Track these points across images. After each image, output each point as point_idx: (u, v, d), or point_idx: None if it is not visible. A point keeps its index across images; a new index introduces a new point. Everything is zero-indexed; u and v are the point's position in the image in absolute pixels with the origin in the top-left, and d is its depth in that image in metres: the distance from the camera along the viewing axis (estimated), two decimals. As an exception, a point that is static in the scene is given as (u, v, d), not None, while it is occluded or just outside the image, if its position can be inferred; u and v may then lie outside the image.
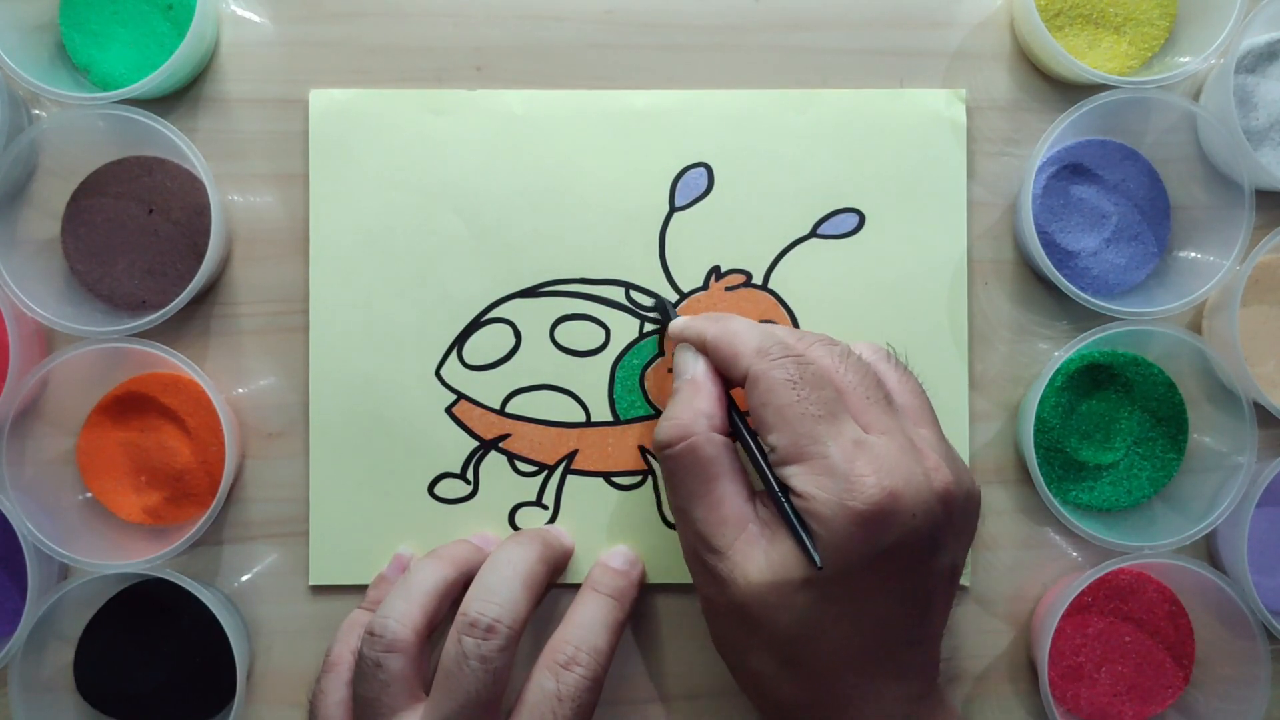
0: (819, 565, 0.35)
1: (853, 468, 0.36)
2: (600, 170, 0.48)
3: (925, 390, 0.41)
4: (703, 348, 0.41)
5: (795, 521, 0.36)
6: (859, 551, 0.35)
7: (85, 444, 0.48)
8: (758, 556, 0.37)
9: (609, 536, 0.48)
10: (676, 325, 0.43)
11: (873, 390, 0.38)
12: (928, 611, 0.38)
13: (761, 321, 0.48)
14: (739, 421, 0.41)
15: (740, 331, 0.40)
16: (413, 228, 0.48)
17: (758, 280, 0.48)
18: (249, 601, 0.48)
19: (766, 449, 0.38)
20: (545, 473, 0.48)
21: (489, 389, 0.48)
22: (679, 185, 0.48)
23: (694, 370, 0.41)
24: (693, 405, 0.40)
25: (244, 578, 0.48)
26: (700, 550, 0.38)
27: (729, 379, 0.41)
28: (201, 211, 0.48)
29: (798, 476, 0.37)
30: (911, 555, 0.36)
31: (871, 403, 0.38)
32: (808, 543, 0.36)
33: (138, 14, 0.48)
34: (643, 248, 0.48)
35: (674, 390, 0.41)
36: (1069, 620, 0.48)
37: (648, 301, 0.48)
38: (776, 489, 0.38)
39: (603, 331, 0.48)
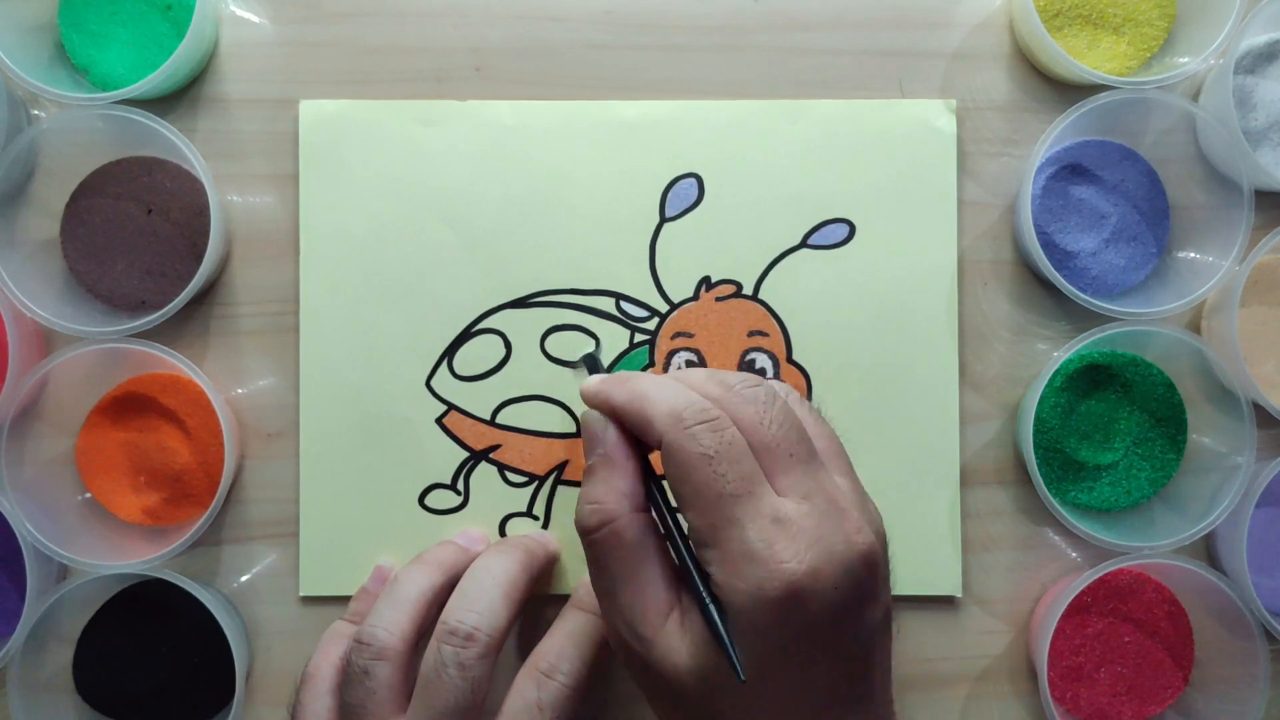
0: (741, 678, 0.33)
1: (772, 552, 0.33)
2: (590, 180, 0.48)
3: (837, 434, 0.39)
4: (612, 414, 0.38)
5: (717, 626, 0.34)
6: (783, 634, 0.33)
7: (84, 444, 0.48)
8: (685, 646, 0.35)
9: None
10: (585, 390, 0.40)
11: (796, 444, 0.35)
12: (868, 666, 0.36)
13: (750, 334, 0.48)
14: (658, 499, 0.38)
15: (650, 395, 0.37)
16: (403, 238, 0.48)
17: (748, 290, 0.48)
18: (248, 602, 0.48)
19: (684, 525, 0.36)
20: (536, 483, 0.48)
21: (479, 400, 0.48)
22: (669, 195, 0.48)
23: (606, 443, 0.38)
24: (611, 484, 0.37)
25: (243, 578, 0.48)
26: (627, 636, 0.36)
27: (644, 443, 0.38)
28: (200, 212, 0.48)
29: (714, 564, 0.34)
30: (840, 622, 0.34)
31: (795, 460, 0.35)
32: (729, 650, 0.34)
33: (137, 14, 0.48)
34: (633, 258, 0.48)
35: (588, 466, 0.38)
36: (1068, 621, 0.48)
37: (638, 312, 0.48)
38: (698, 583, 0.35)
39: (593, 342, 0.48)
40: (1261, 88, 0.48)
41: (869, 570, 0.34)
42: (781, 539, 0.33)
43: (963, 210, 0.49)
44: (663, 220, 0.48)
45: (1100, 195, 0.49)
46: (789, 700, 0.34)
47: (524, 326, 0.48)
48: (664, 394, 0.36)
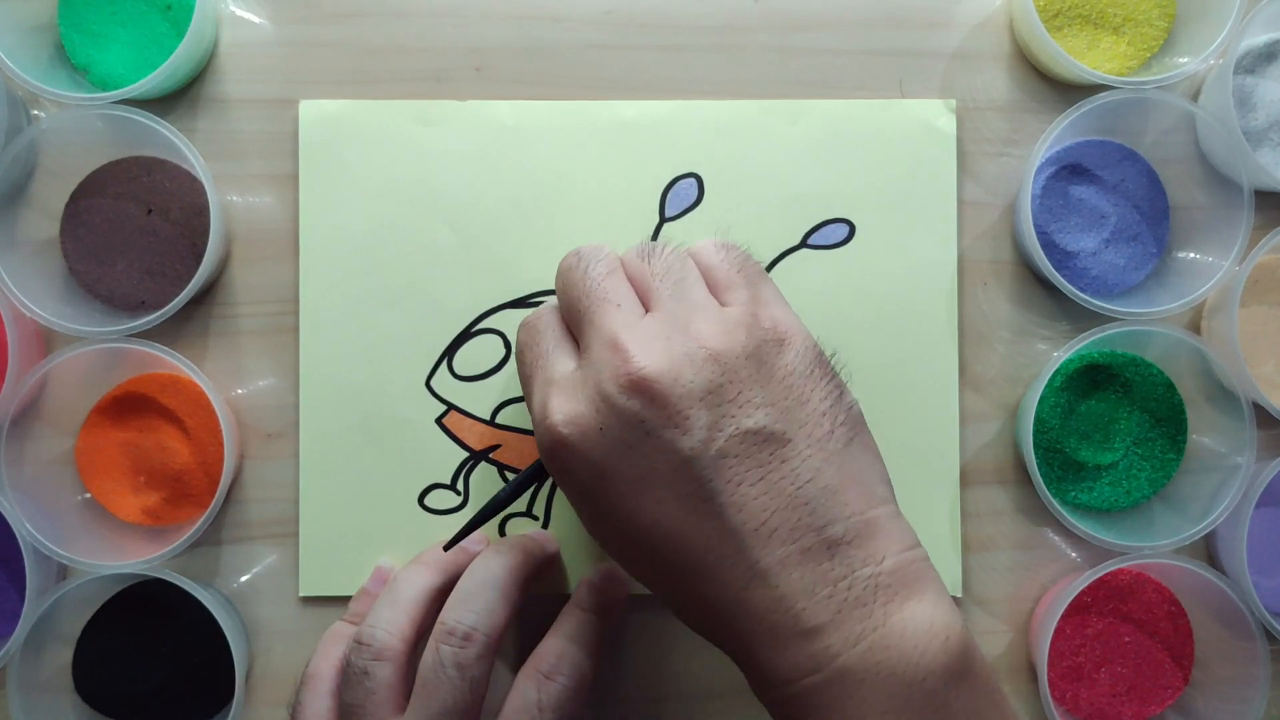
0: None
1: (544, 411, 0.37)
2: (590, 181, 0.48)
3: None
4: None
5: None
6: (574, 480, 0.36)
7: (84, 444, 0.48)
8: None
9: (598, 547, 0.48)
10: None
11: (579, 300, 0.39)
12: (707, 499, 0.34)
13: None
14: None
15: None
16: (403, 238, 0.48)
17: None
18: (248, 602, 0.48)
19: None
20: (536, 483, 0.48)
21: (479, 400, 0.48)
22: (669, 196, 0.48)
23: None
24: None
25: (243, 578, 0.48)
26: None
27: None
28: (200, 212, 0.48)
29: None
30: (622, 460, 0.35)
31: (577, 318, 0.39)
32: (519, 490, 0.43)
33: (137, 14, 0.48)
34: None
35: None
36: (1068, 621, 0.48)
37: None
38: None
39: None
40: (1261, 88, 0.48)
41: (648, 402, 0.34)
42: (554, 398, 0.36)
43: (963, 210, 0.49)
44: (663, 220, 0.48)
45: (1100, 195, 0.49)
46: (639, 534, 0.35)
47: None
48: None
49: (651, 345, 0.35)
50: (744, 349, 0.35)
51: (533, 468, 0.43)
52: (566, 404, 0.36)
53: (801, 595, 0.33)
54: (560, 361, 0.38)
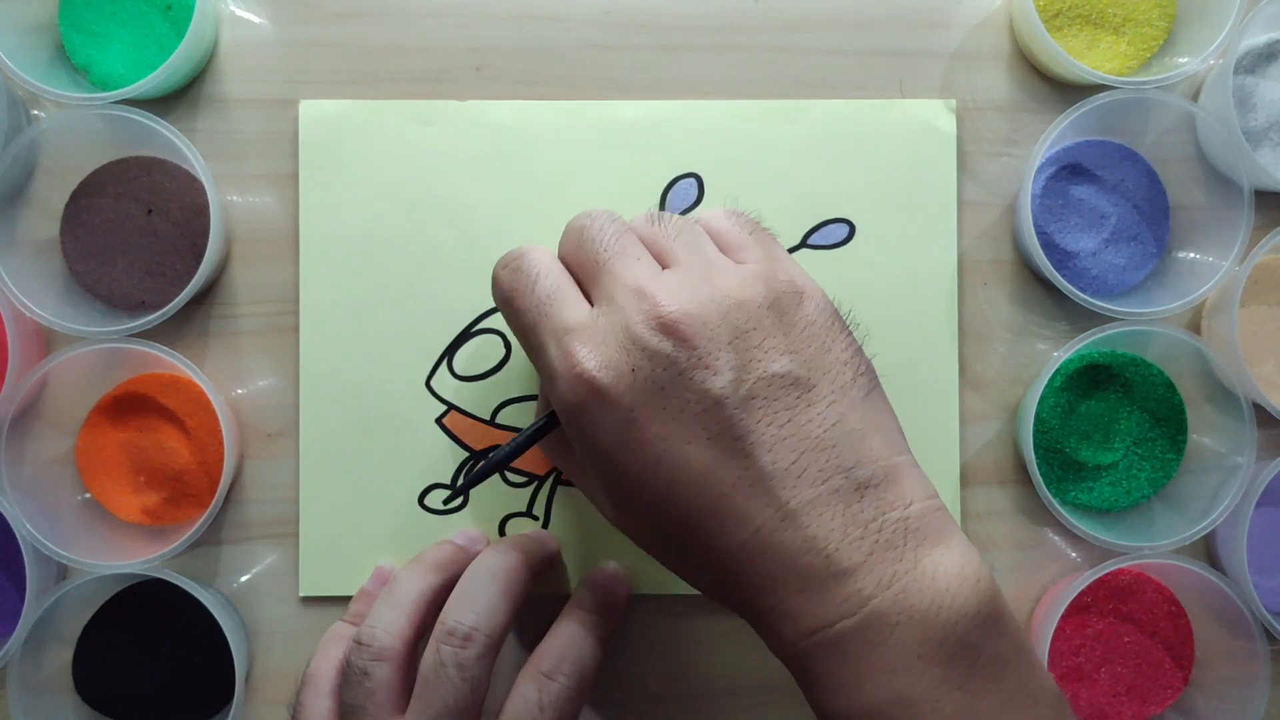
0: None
1: (567, 363, 0.36)
2: (591, 180, 0.48)
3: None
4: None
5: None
6: (597, 428, 0.35)
7: (84, 444, 0.48)
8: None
9: (598, 546, 0.48)
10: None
11: (599, 253, 0.38)
12: (739, 438, 0.34)
13: None
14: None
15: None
16: (403, 238, 0.48)
17: None
18: (248, 602, 0.48)
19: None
20: (535, 483, 0.48)
21: (479, 400, 0.48)
22: (669, 195, 0.48)
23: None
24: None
25: (243, 578, 0.48)
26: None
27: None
28: (200, 212, 0.48)
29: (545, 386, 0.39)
30: (653, 403, 0.35)
31: (595, 269, 0.38)
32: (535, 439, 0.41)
33: (137, 14, 0.48)
34: None
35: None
36: (1068, 621, 0.48)
37: None
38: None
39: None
40: (1261, 88, 0.48)
41: (680, 343, 0.35)
42: (578, 345, 0.36)
43: (963, 210, 0.49)
44: (663, 220, 0.48)
45: (1100, 195, 0.49)
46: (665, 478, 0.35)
47: None
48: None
49: (677, 291, 0.35)
50: (765, 299, 0.36)
51: (541, 422, 0.41)
52: (595, 350, 0.35)
53: (834, 536, 0.33)
54: (570, 307, 0.37)
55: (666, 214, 0.40)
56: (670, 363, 0.34)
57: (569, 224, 0.40)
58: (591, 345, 0.35)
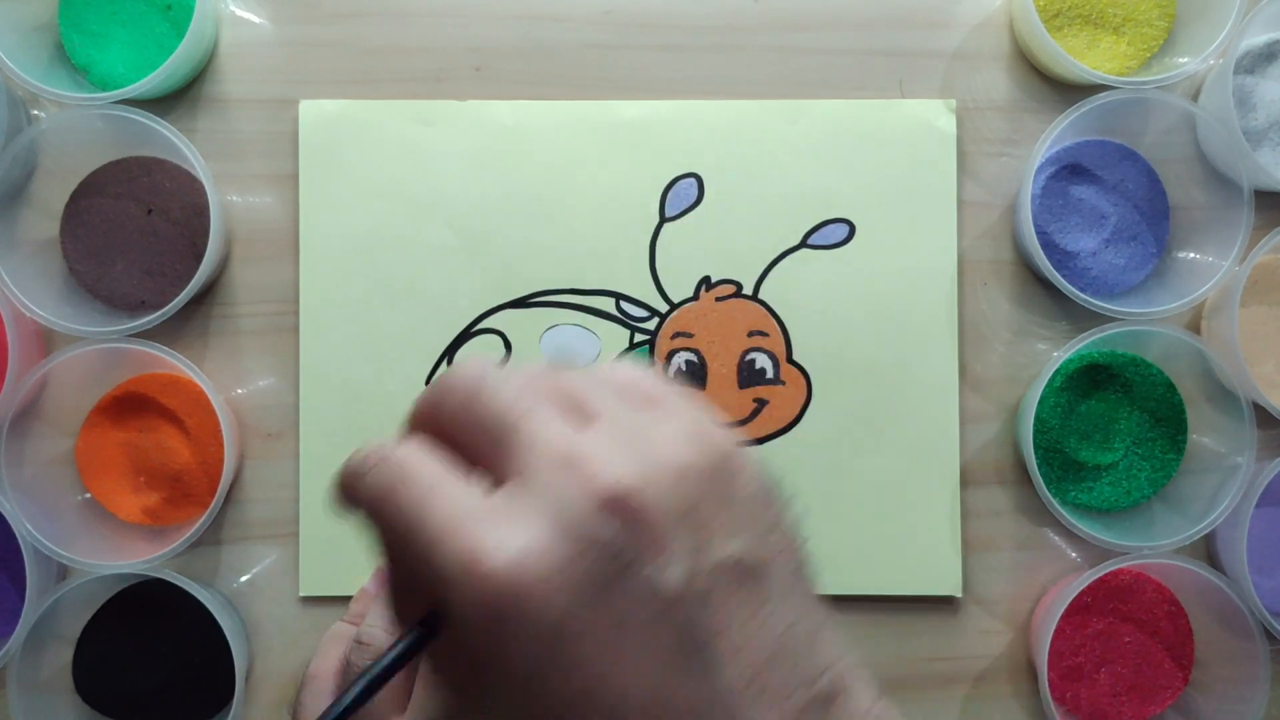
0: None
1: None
2: (591, 181, 0.48)
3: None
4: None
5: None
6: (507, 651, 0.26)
7: (84, 444, 0.48)
8: None
9: None
10: None
11: (485, 428, 0.29)
12: (695, 640, 0.27)
13: (750, 334, 0.48)
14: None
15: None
16: (403, 238, 0.48)
17: (748, 290, 0.48)
18: (248, 602, 0.48)
19: None
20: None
21: None
22: (669, 195, 0.48)
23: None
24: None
25: (243, 578, 0.48)
26: None
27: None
28: (200, 212, 0.48)
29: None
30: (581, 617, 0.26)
31: (487, 441, 0.29)
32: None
33: (137, 14, 0.48)
34: (633, 258, 0.48)
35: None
36: (1068, 620, 0.48)
37: (638, 312, 0.48)
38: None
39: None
40: (1261, 88, 0.48)
41: (627, 525, 0.26)
42: (485, 533, 0.27)
43: (963, 210, 0.49)
44: (663, 220, 0.48)
45: (1100, 195, 0.49)
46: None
47: (524, 326, 0.48)
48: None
49: (614, 458, 0.27)
50: (708, 463, 0.28)
51: (409, 641, 0.28)
52: (512, 535, 0.26)
53: None
54: (462, 492, 0.27)
55: (557, 368, 0.30)
56: (615, 554, 0.26)
57: (440, 381, 0.30)
58: (506, 530, 0.26)
